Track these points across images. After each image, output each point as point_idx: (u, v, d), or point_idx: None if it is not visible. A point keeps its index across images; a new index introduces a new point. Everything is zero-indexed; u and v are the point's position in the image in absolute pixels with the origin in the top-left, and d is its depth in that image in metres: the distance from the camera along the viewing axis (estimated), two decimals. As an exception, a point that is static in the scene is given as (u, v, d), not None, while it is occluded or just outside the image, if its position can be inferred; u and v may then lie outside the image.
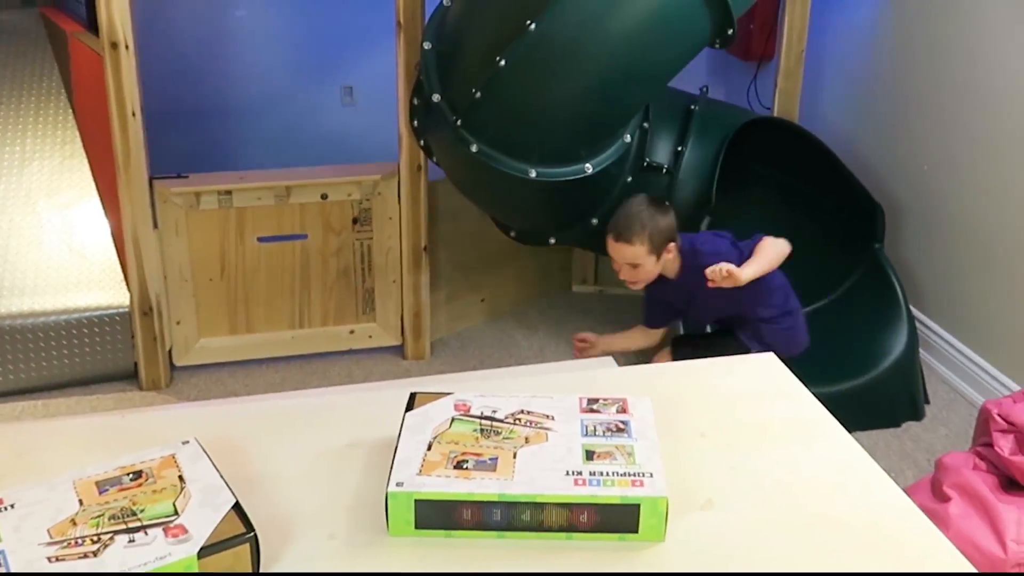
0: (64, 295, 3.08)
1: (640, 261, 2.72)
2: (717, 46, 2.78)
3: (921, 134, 3.65)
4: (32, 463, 1.44)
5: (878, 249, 3.51)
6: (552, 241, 3.37)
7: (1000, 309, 3.25)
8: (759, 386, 1.77)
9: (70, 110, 3.62)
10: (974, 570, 1.30)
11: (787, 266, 3.57)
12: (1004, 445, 2.38)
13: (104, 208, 3.36)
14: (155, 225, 3.17)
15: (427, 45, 2.93)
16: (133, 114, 3.01)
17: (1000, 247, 3.23)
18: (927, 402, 3.40)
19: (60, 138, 3.56)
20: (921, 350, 3.44)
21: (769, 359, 1.87)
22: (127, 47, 2.97)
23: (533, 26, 2.53)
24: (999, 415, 2.45)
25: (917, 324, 3.47)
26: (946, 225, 3.50)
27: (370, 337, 3.59)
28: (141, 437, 1.49)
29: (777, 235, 3.77)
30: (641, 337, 3.13)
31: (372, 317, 3.59)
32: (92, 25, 3.47)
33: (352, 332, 3.55)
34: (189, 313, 3.38)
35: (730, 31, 2.70)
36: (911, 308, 3.39)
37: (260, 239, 3.35)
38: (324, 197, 3.37)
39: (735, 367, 1.84)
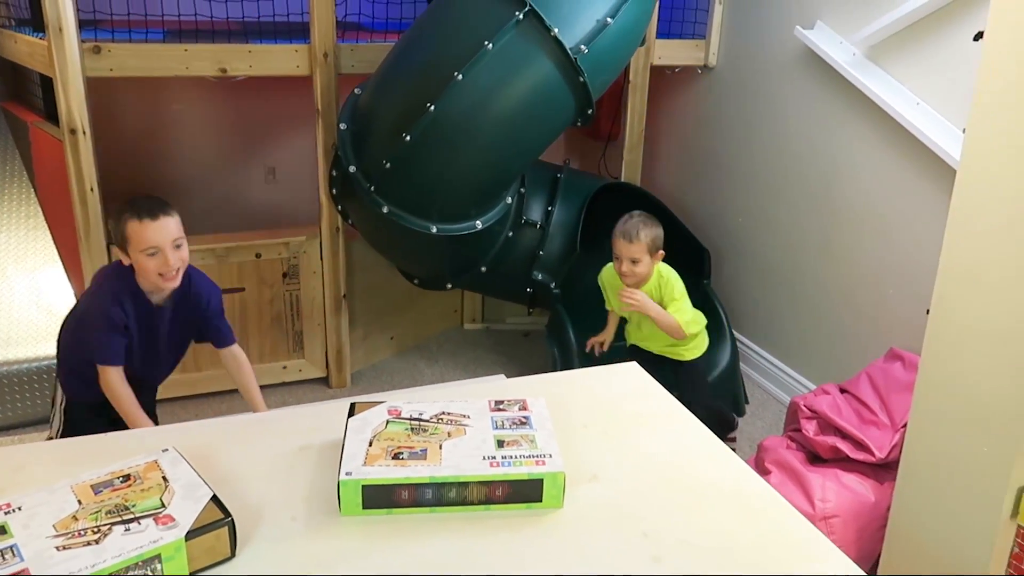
0: (34, 346, 2.94)
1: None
2: (579, 124, 2.82)
3: (735, 193, 3.70)
4: (28, 477, 1.39)
5: (706, 284, 3.58)
6: (449, 286, 3.37)
7: (799, 327, 3.42)
8: (626, 388, 1.86)
9: (32, 189, 3.49)
10: (802, 517, 1.41)
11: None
12: (809, 428, 2.54)
13: (66, 271, 3.23)
14: (112, 283, 3.06)
15: (343, 126, 2.92)
16: (92, 189, 2.91)
17: (797, 280, 3.41)
18: (747, 402, 3.47)
19: (24, 212, 3.42)
20: (741, 362, 3.58)
21: (633, 367, 1.97)
22: (84, 133, 2.89)
23: (432, 107, 2.54)
24: (805, 406, 2.61)
25: (737, 342, 3.56)
26: (757, 264, 3.64)
27: (300, 371, 3.54)
28: (124, 452, 1.46)
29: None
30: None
31: (301, 354, 3.54)
32: (50, 115, 3.36)
33: (284, 367, 3.49)
34: (142, 357, 3.27)
35: (590, 111, 2.77)
36: (733, 330, 3.52)
37: (204, 293, 3.28)
38: (258, 256, 3.33)
39: (607, 374, 1.93)
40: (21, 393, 2.89)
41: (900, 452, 2.28)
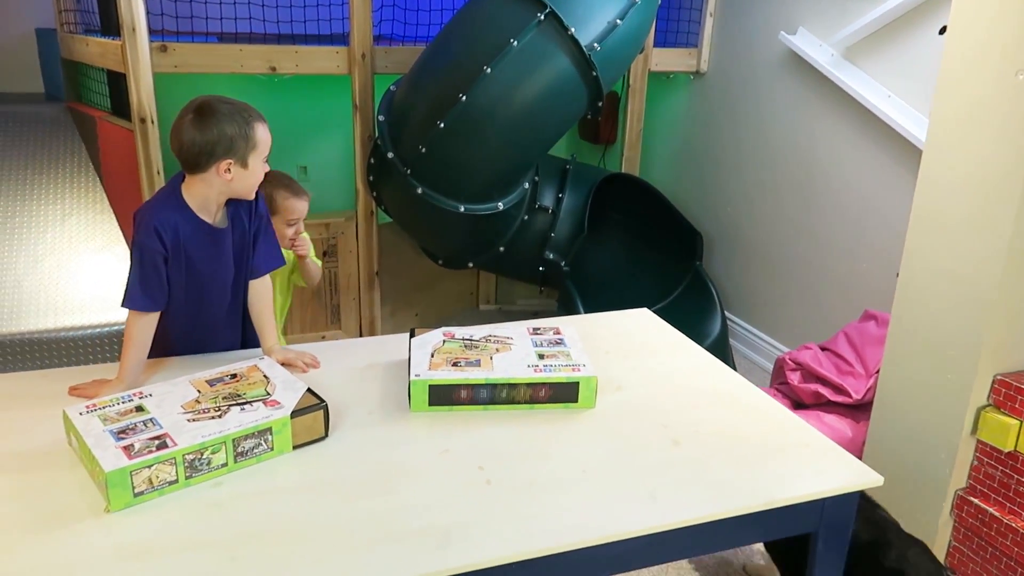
0: (103, 313, 3.09)
1: None
2: (589, 116, 2.96)
3: (725, 185, 3.76)
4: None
5: (699, 265, 3.66)
6: (471, 264, 3.51)
7: (783, 303, 3.57)
8: (639, 326, 2.02)
9: (98, 179, 3.64)
10: (792, 414, 1.57)
11: (637, 277, 3.84)
12: (794, 378, 2.68)
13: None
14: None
15: (381, 117, 3.06)
16: (158, 172, 3.08)
17: (781, 261, 3.56)
18: (735, 370, 3.63)
19: (91, 199, 3.57)
20: (730, 338, 3.70)
21: (644, 312, 2.13)
22: (152, 122, 3.05)
23: (464, 97, 2.64)
24: (790, 359, 2.76)
25: (727, 317, 3.74)
26: (744, 248, 3.75)
27: (331, 341, 3.68)
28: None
29: (628, 258, 4.04)
30: None
31: (339, 326, 3.68)
32: (115, 111, 3.51)
33: (323, 337, 3.63)
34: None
35: (600, 103, 2.83)
36: (723, 306, 3.66)
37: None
38: (301, 235, 3.49)
39: (622, 317, 2.09)
40: (92, 353, 3.04)
41: (874, 394, 2.44)
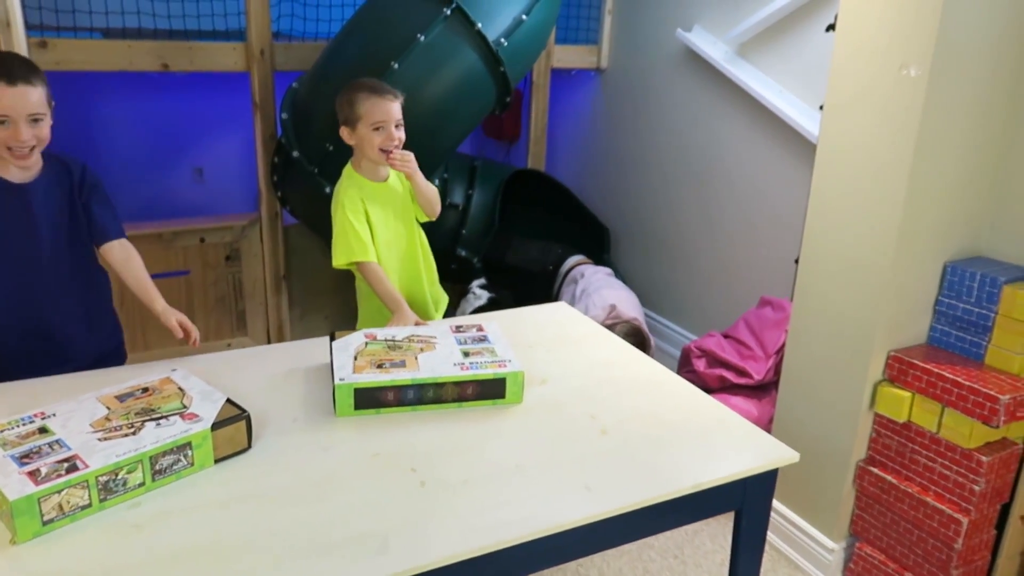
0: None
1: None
2: (498, 112, 2.94)
3: (628, 179, 3.80)
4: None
5: (606, 257, 3.75)
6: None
7: (686, 292, 3.67)
8: (558, 319, 2.04)
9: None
10: (710, 397, 1.62)
11: (548, 272, 3.86)
12: (700, 365, 2.78)
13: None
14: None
15: (285, 115, 2.96)
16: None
17: (683, 251, 3.65)
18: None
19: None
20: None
21: (561, 305, 2.15)
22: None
23: None
24: (695, 347, 2.86)
25: None
26: (648, 240, 3.85)
27: (243, 348, 3.54)
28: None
29: (542, 255, 4.07)
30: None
31: (244, 332, 3.54)
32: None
33: (229, 344, 3.49)
34: (92, 338, 3.22)
35: (508, 99, 2.82)
36: (630, 298, 3.75)
37: (151, 275, 3.24)
38: (202, 240, 3.33)
39: (539, 311, 2.10)
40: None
41: (774, 375, 2.56)
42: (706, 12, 3.21)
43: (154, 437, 1.21)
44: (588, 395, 1.58)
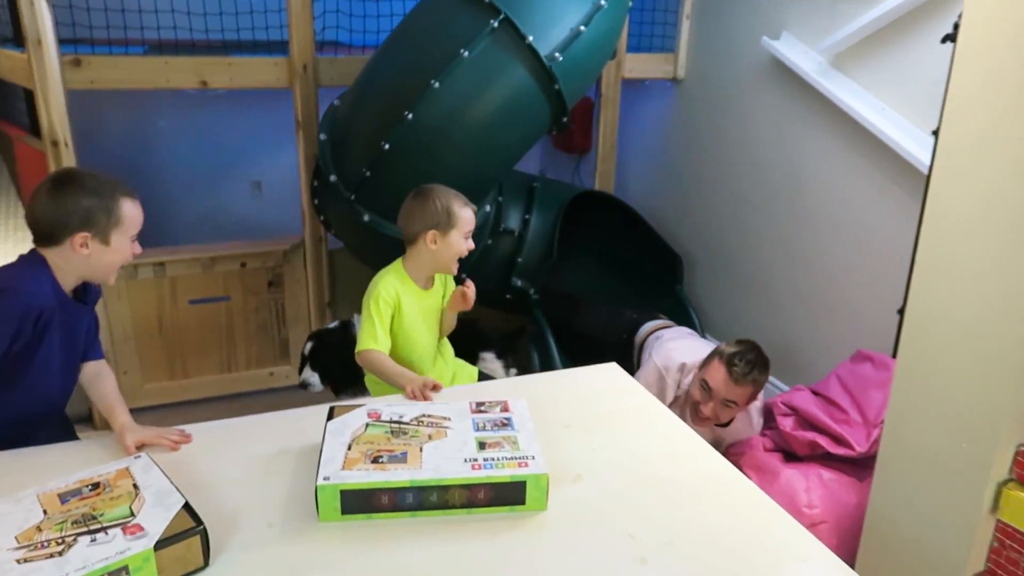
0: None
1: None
2: (554, 132, 2.69)
3: (706, 201, 3.55)
4: (3, 486, 1.27)
5: (679, 289, 3.49)
6: (430, 294, 3.27)
7: (768, 330, 3.35)
8: (606, 387, 1.78)
9: (20, 202, 3.36)
10: (789, 516, 1.33)
11: (618, 303, 3.57)
12: (787, 424, 2.44)
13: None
14: (99, 293, 2.93)
15: (323, 136, 2.79)
16: (74, 200, 2.80)
17: (766, 284, 3.34)
18: None
19: (12, 225, 3.30)
20: None
21: (612, 367, 1.88)
22: (66, 144, 2.76)
23: (410, 115, 2.40)
24: (782, 403, 2.53)
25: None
26: (727, 269, 3.55)
27: (287, 377, 3.41)
28: (99, 459, 1.35)
29: (603, 281, 3.80)
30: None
31: (288, 360, 3.41)
32: (34, 129, 3.23)
33: (271, 373, 3.36)
34: (134, 365, 3.12)
35: (565, 118, 2.59)
36: (705, 333, 3.44)
37: (191, 301, 3.15)
38: (243, 265, 3.21)
39: (587, 374, 1.84)
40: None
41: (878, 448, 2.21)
42: (796, 18, 2.88)
43: (82, 560, 1.02)
44: (630, 502, 1.31)
